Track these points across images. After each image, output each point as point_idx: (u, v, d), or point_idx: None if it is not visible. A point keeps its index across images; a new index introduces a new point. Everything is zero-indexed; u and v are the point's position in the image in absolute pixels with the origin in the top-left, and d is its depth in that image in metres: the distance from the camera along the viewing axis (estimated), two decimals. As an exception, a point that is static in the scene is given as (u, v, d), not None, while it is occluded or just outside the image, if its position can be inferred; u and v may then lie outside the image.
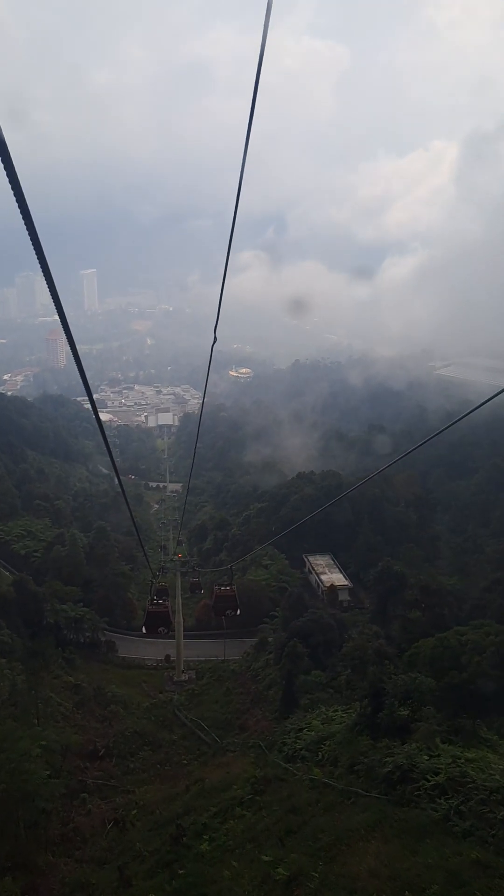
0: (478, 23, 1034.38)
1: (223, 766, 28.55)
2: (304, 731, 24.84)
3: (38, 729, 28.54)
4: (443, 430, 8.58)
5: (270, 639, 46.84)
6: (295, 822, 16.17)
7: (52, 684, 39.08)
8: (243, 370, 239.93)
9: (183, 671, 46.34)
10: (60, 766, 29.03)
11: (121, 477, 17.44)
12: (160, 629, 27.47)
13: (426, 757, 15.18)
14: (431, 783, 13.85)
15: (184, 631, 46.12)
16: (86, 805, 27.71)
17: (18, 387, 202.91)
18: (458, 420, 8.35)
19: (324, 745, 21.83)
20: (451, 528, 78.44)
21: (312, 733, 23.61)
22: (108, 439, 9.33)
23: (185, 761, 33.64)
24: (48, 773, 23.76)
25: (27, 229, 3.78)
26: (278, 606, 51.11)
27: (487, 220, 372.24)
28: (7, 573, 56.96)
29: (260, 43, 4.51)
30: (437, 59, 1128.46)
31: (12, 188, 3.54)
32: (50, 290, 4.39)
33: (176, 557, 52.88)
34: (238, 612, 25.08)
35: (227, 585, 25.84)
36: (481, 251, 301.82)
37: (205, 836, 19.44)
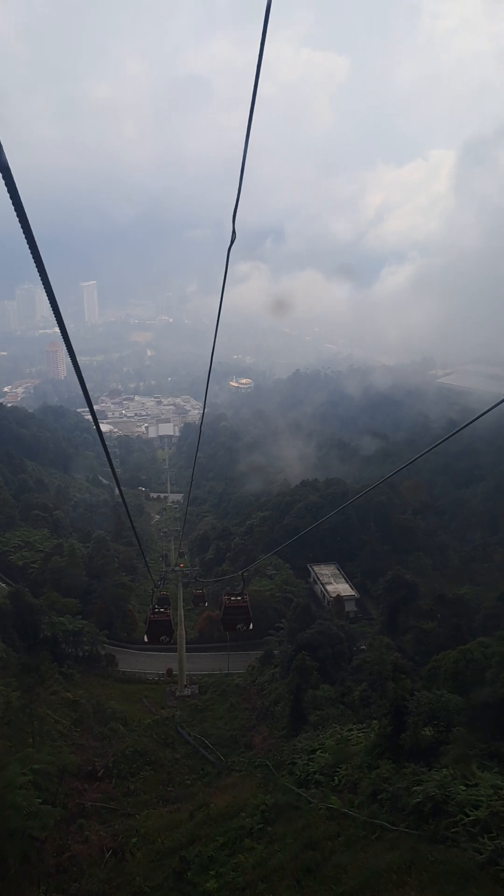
0: (476, 32, 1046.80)
1: (229, 789, 26.77)
2: (318, 752, 22.97)
3: (31, 750, 26.75)
4: (449, 437, 8.52)
5: (276, 651, 45.14)
6: (313, 860, 14.44)
7: (49, 700, 37.29)
8: (244, 380, 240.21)
9: (185, 685, 44.73)
10: (57, 789, 27.26)
11: (123, 489, 17.06)
12: (162, 638, 26.83)
13: (462, 787, 13.50)
14: (471, 818, 12.17)
15: (186, 643, 44.49)
16: (83, 832, 25.93)
17: (19, 398, 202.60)
18: (465, 427, 7.94)
19: (340, 768, 20.07)
20: (458, 536, 76.84)
21: (326, 755, 21.74)
22: (109, 450, 9.03)
23: (189, 781, 31.85)
24: (40, 800, 21.95)
25: (27, 242, 3.80)
26: (284, 618, 49.44)
27: (486, 227, 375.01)
28: (3, 584, 55.42)
29: (258, 55, 4.51)
30: (435, 68, 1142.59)
31: (12, 201, 3.54)
32: (50, 302, 4.41)
33: (177, 567, 51.27)
34: (251, 626, 22.55)
35: (237, 595, 22.90)
36: (480, 258, 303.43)
37: (211, 872, 17.68)
